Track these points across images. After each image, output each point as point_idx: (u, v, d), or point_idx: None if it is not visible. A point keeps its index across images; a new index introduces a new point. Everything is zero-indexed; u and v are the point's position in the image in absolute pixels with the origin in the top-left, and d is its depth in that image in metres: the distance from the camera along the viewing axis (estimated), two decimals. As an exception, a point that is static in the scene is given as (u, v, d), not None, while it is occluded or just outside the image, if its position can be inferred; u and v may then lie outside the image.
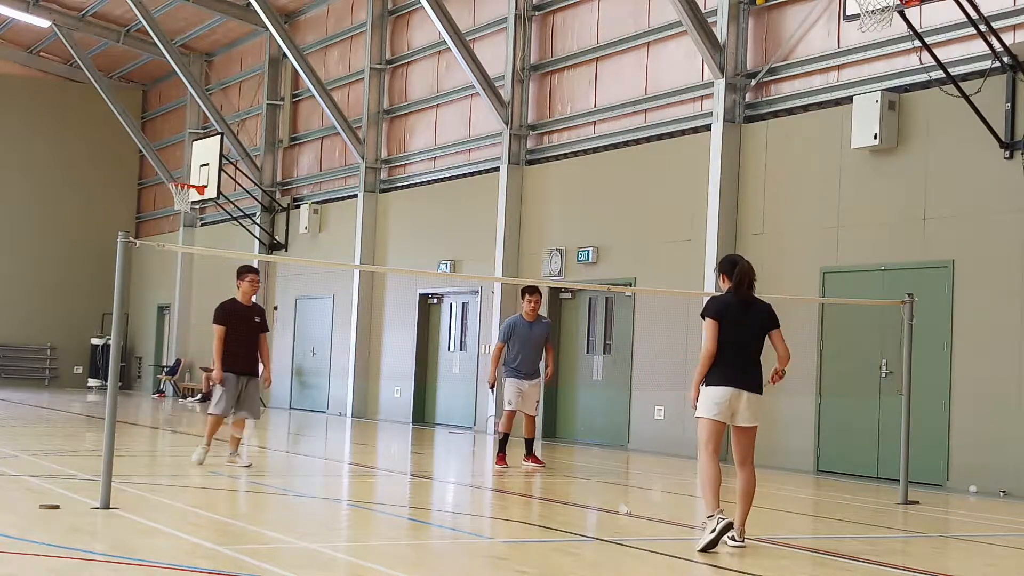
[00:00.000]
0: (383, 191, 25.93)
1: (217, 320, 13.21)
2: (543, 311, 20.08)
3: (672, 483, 14.66)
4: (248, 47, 32.05)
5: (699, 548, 8.31)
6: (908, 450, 12.43)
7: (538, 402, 14.76)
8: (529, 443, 14.65)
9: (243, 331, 13.17)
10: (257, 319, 13.35)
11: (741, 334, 8.68)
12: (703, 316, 8.78)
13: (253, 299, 13.54)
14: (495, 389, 15.71)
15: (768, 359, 8.86)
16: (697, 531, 9.88)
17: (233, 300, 13.40)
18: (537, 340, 14.49)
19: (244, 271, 13.41)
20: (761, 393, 8.73)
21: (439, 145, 24.30)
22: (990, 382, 13.88)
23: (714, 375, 8.64)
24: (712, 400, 8.64)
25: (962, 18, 13.62)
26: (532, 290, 14.58)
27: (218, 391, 13.23)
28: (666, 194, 18.40)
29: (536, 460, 14.59)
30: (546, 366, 14.80)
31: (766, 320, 8.85)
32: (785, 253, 16.51)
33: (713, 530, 8.29)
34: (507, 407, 14.55)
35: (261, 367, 13.52)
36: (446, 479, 14.54)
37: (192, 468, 12.94)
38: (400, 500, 11.74)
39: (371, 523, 10.10)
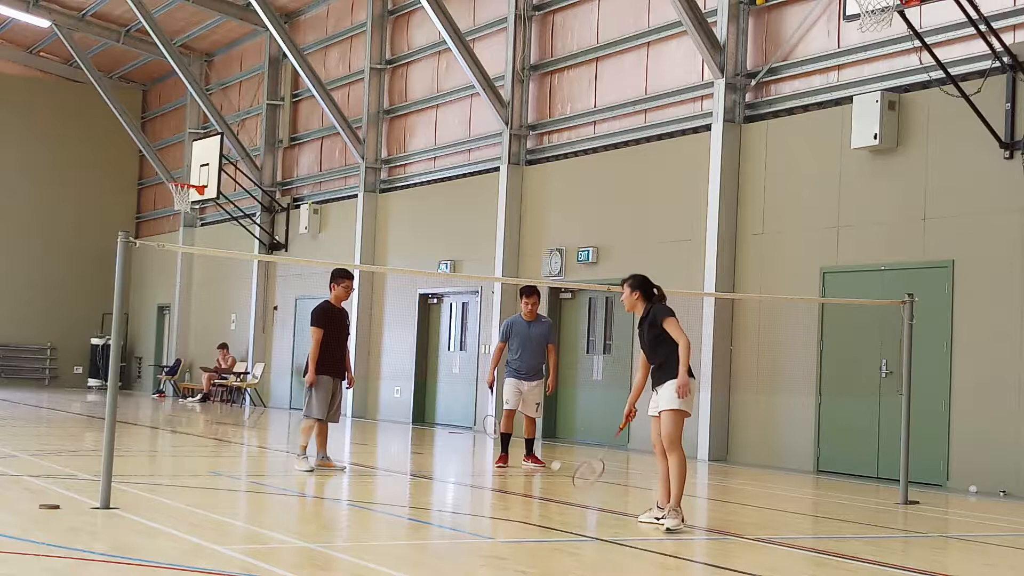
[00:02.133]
0: (383, 191, 25.93)
1: (316, 323, 12.97)
2: (543, 311, 20.10)
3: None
4: (248, 47, 32.04)
5: (670, 528, 9.17)
6: (908, 450, 12.42)
7: (539, 404, 14.54)
8: (529, 443, 14.56)
9: (337, 335, 13.07)
10: (347, 322, 13.33)
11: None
12: (669, 315, 9.76)
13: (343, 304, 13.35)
14: (494, 389, 15.59)
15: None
16: (699, 531, 9.89)
17: (329, 303, 13.17)
18: (537, 339, 14.38)
19: (342, 276, 13.14)
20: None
21: (439, 145, 24.30)
22: (990, 382, 13.88)
23: (689, 367, 9.60)
24: (694, 392, 9.62)
25: (962, 18, 13.61)
26: (529, 292, 14.46)
27: (313, 394, 13.00)
28: (666, 194, 18.40)
29: (536, 460, 14.53)
30: (547, 374, 14.64)
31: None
32: (785, 253, 16.51)
33: (682, 520, 9.34)
34: (506, 406, 14.49)
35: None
36: (446, 479, 14.54)
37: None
38: (400, 500, 11.74)
39: (371, 523, 10.10)
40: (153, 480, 12.07)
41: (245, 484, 12.37)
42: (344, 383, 13.26)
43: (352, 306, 25.82)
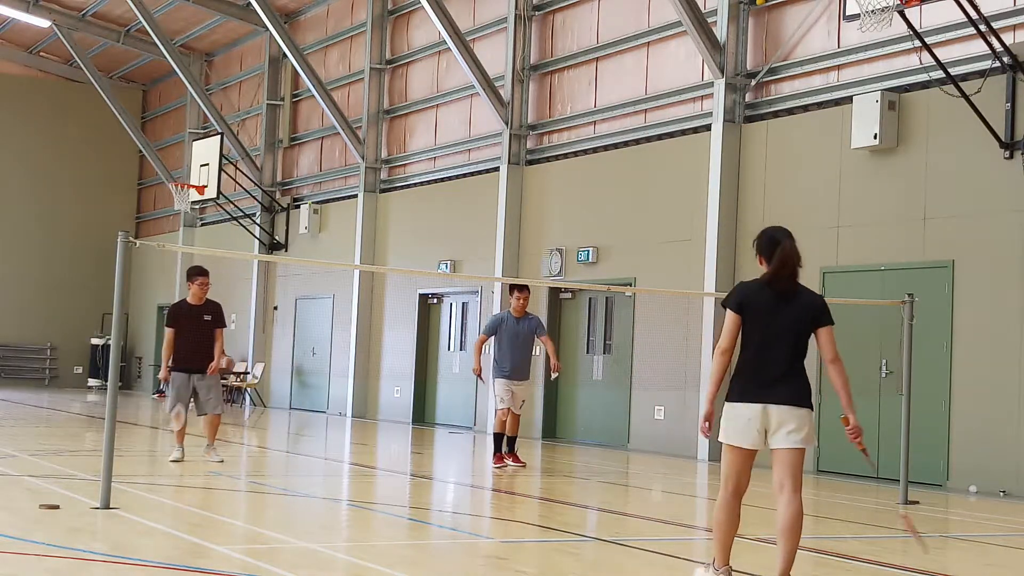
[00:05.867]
0: (383, 191, 25.93)
1: (167, 323, 13.55)
2: (541, 313, 20.12)
3: (672, 483, 14.65)
4: (248, 47, 32.05)
5: None
6: (908, 450, 12.42)
7: (524, 400, 14.63)
8: (512, 440, 14.50)
9: (192, 331, 13.35)
10: (208, 316, 13.50)
11: (772, 330, 6.75)
12: (723, 305, 6.94)
13: (206, 297, 13.63)
14: (482, 378, 15.49)
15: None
16: (699, 531, 9.90)
17: (183, 301, 13.67)
18: (525, 337, 14.36)
19: (193, 274, 13.56)
20: (802, 405, 6.70)
21: (439, 145, 24.30)
22: (990, 382, 13.88)
23: (735, 388, 6.72)
24: (730, 421, 6.71)
25: (962, 18, 13.61)
26: (522, 287, 14.55)
27: (168, 391, 13.56)
28: (666, 194, 18.40)
29: (516, 460, 14.46)
30: (550, 360, 14.59)
31: (812, 314, 6.90)
32: (785, 253, 16.48)
33: None
34: (500, 405, 14.40)
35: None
36: (446, 479, 14.54)
37: (177, 468, 12.94)
38: (400, 500, 11.73)
39: (371, 523, 10.10)
40: (153, 480, 12.06)
41: (245, 484, 12.37)
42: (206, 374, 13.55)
43: (352, 306, 25.85)
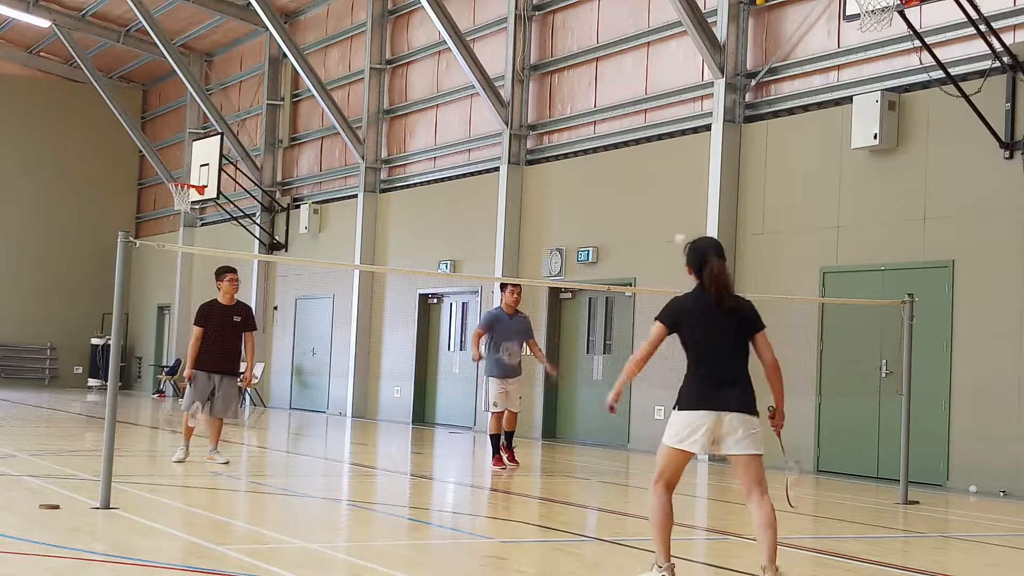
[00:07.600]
0: (383, 191, 25.93)
1: (195, 321, 13.34)
2: (541, 313, 20.12)
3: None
4: (248, 47, 32.05)
5: None
6: (908, 450, 12.42)
7: (521, 397, 14.62)
8: (509, 436, 14.53)
9: (220, 330, 13.21)
10: (238, 318, 13.35)
11: (716, 340, 6.83)
12: (657, 319, 6.98)
13: (236, 298, 13.53)
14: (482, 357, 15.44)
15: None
16: (699, 531, 9.90)
17: (214, 301, 13.46)
18: (517, 334, 14.41)
19: (223, 271, 13.40)
20: (752, 413, 6.80)
21: (439, 145, 24.30)
22: (990, 382, 13.88)
23: (688, 397, 6.75)
24: (682, 428, 6.72)
25: (962, 18, 13.61)
26: (514, 284, 14.58)
27: (187, 389, 13.40)
28: (666, 194, 18.40)
29: (512, 458, 14.48)
30: (542, 362, 14.63)
31: (747, 322, 6.98)
32: (785, 253, 16.51)
33: None
34: (494, 409, 14.39)
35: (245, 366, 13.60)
36: (446, 479, 14.54)
37: (177, 468, 12.94)
38: (400, 500, 11.73)
39: (371, 523, 10.10)
40: (153, 480, 12.05)
41: (245, 484, 12.37)
42: (238, 380, 13.43)
43: (352, 306, 25.84)
